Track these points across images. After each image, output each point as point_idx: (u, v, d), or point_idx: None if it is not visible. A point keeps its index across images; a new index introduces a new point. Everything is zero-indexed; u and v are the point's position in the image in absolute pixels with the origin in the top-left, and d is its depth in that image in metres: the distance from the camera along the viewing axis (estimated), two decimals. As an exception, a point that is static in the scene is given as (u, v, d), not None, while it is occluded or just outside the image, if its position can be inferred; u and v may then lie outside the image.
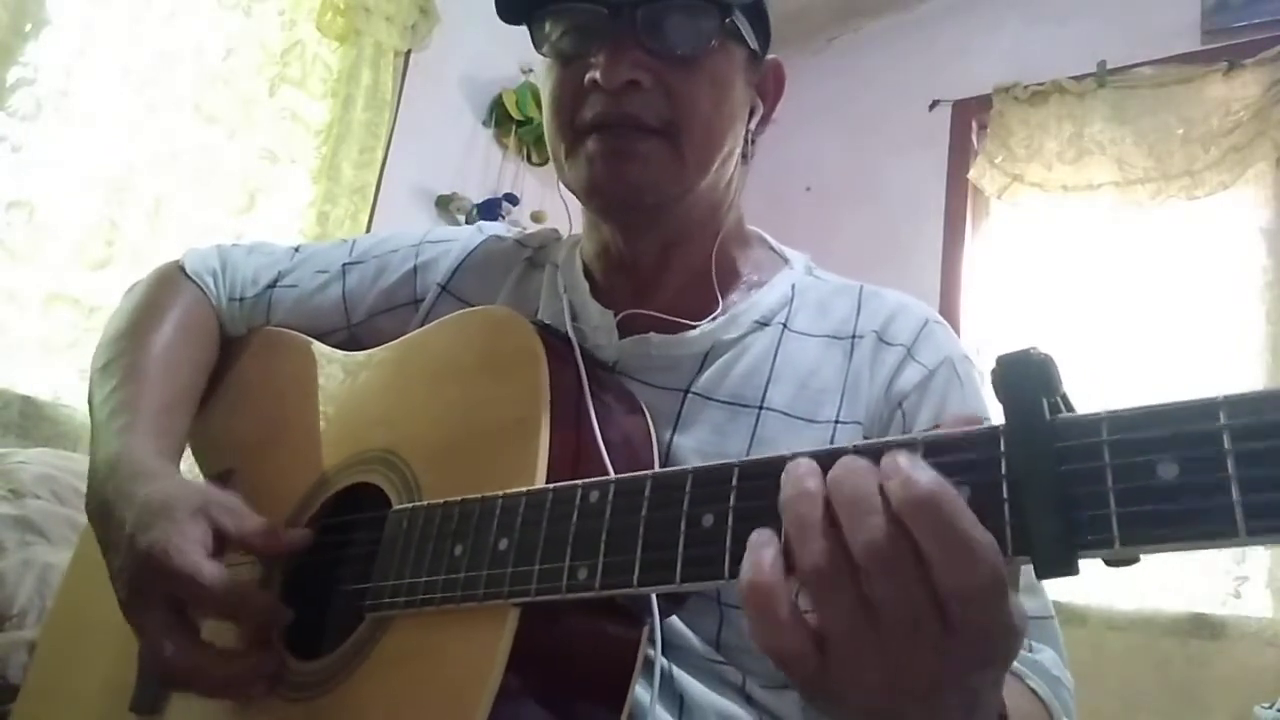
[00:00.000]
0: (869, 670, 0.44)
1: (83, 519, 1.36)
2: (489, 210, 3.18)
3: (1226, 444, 0.37)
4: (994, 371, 0.43)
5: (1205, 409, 0.38)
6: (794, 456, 0.48)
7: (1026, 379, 0.42)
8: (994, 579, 0.41)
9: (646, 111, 0.78)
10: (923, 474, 0.42)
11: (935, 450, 0.44)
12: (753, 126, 0.88)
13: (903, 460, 0.42)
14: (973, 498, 0.42)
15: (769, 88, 0.90)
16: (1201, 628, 2.44)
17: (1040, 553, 0.40)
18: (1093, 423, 0.41)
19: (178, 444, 0.89)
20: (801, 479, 0.45)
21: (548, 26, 0.82)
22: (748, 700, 0.76)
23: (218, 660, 0.71)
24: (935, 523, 0.41)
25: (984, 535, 0.41)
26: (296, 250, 1.06)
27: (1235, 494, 0.37)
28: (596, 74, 0.77)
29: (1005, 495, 0.42)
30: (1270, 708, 2.09)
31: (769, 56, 0.88)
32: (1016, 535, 0.41)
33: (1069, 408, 0.43)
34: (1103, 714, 2.42)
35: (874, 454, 0.45)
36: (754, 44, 0.84)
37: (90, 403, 0.92)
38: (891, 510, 0.42)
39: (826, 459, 0.46)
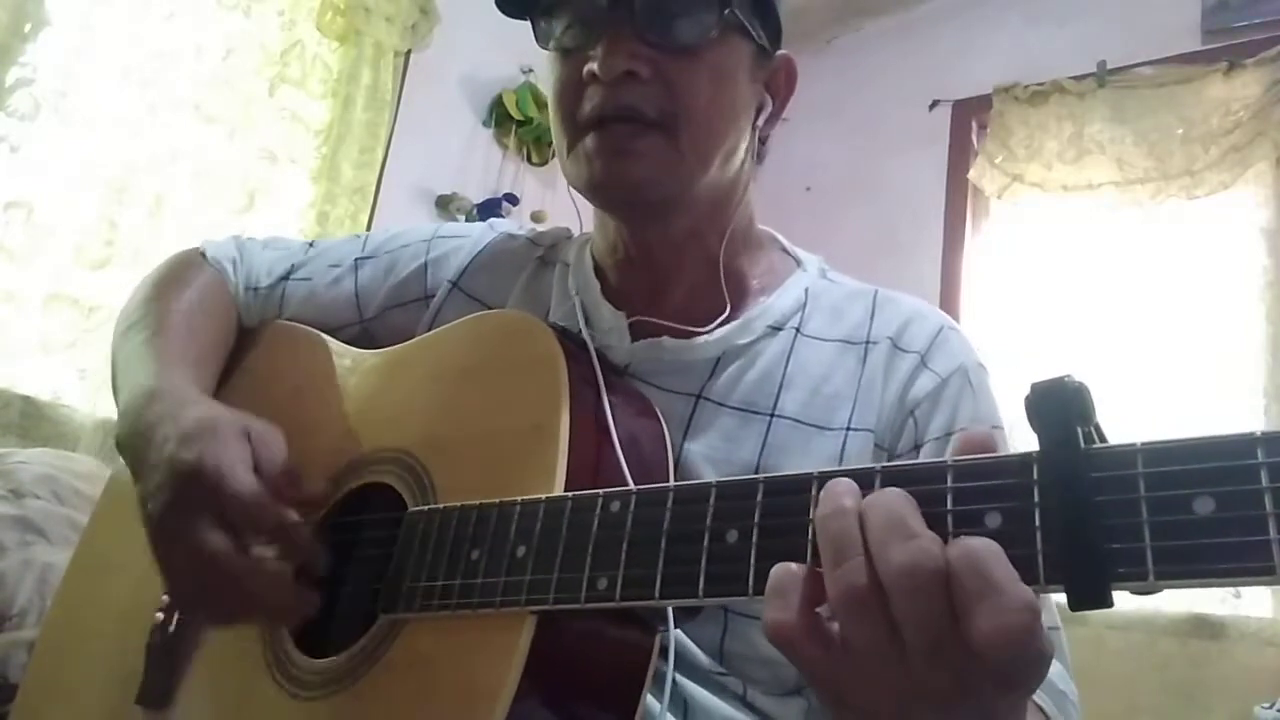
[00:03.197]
0: (885, 677, 0.44)
1: (83, 519, 1.36)
2: (489, 210, 3.17)
3: (1264, 480, 0.37)
4: (1028, 398, 0.43)
5: (1242, 445, 0.38)
6: (821, 475, 0.48)
7: (1061, 407, 0.42)
8: (1023, 627, 0.40)
9: (645, 103, 0.78)
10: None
11: (968, 475, 0.44)
12: (761, 124, 0.87)
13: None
14: (1004, 524, 0.42)
15: (779, 85, 0.89)
16: (1201, 628, 2.44)
17: (1074, 585, 0.40)
18: (1128, 454, 0.41)
19: (208, 391, 0.90)
20: (839, 497, 0.46)
21: (549, 21, 0.83)
22: (750, 708, 0.76)
23: (268, 567, 0.69)
24: (972, 573, 0.41)
25: (1018, 587, 0.41)
26: (310, 245, 1.07)
27: (1273, 531, 0.36)
28: (594, 66, 0.77)
29: (1038, 523, 0.42)
30: (1270, 708, 2.09)
31: (779, 53, 0.87)
32: (1049, 565, 0.41)
33: (1102, 437, 0.42)
34: (1103, 714, 2.42)
35: (904, 475, 0.45)
36: (760, 38, 0.84)
37: (114, 359, 0.93)
38: (924, 540, 0.42)
39: (858, 478, 0.46)
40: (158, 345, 0.89)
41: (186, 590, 0.73)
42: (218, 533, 0.68)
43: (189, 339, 0.92)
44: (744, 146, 0.85)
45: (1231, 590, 2.50)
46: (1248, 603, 2.49)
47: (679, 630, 0.73)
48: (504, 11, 0.84)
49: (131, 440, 0.79)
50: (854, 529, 0.44)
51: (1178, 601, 2.51)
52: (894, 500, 0.44)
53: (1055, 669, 0.73)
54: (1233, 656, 2.39)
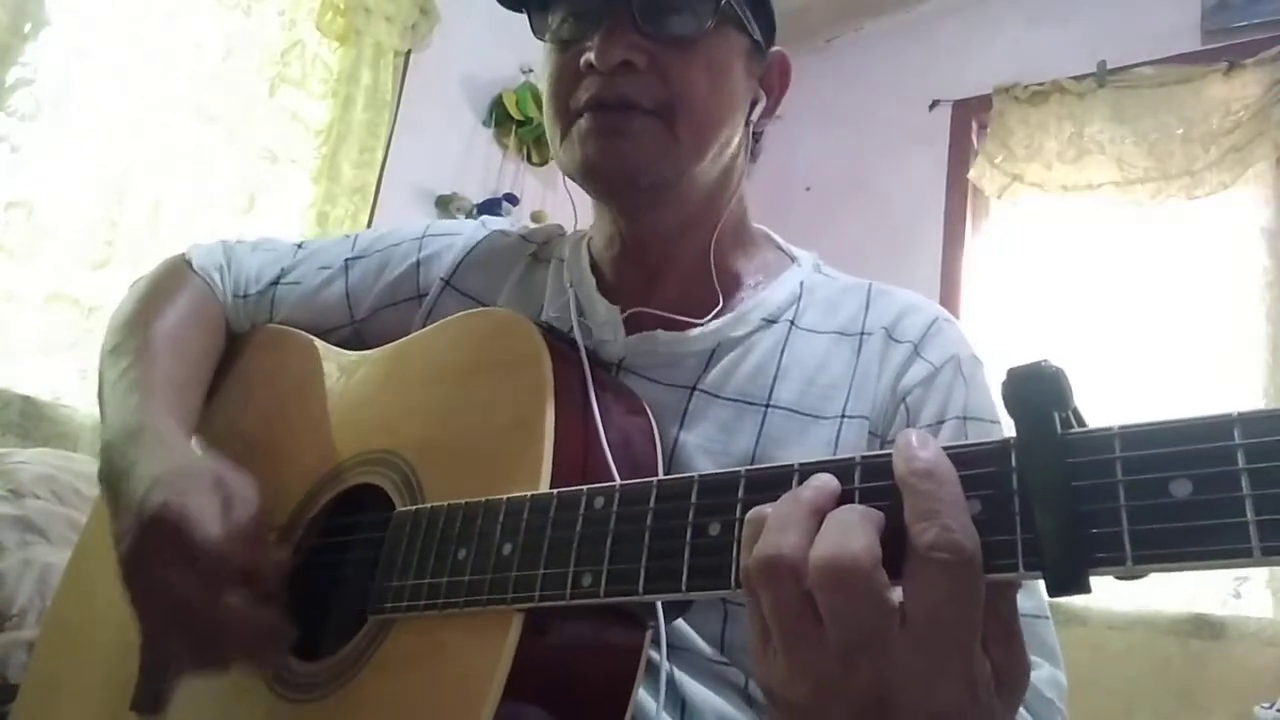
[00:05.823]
0: (801, 670, 0.44)
1: (83, 519, 1.36)
2: (489, 210, 3.18)
3: (1241, 462, 0.37)
4: (1005, 384, 0.42)
5: (1219, 426, 0.38)
6: (801, 466, 0.48)
7: (1038, 392, 0.42)
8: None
9: (641, 93, 0.78)
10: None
11: None
12: (754, 118, 0.88)
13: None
14: (983, 511, 0.42)
15: (774, 81, 0.89)
16: (1201, 628, 2.44)
17: (1052, 570, 0.39)
18: (1105, 438, 0.40)
19: (190, 422, 0.90)
20: (803, 488, 0.46)
21: (546, 13, 0.83)
22: (749, 702, 0.76)
23: (236, 617, 0.68)
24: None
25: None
26: (300, 246, 1.06)
27: (1250, 513, 0.36)
28: (591, 55, 0.78)
29: (1017, 510, 0.41)
30: (1270, 708, 2.09)
31: (774, 49, 0.88)
32: (1028, 551, 0.41)
33: (1080, 422, 0.42)
34: (1103, 714, 2.42)
35: (882, 465, 0.45)
36: (755, 33, 0.84)
37: (100, 382, 0.93)
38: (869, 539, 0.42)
39: (837, 470, 0.46)
40: (141, 373, 0.89)
41: (159, 636, 0.73)
42: (187, 581, 0.68)
43: (173, 362, 0.91)
44: (737, 140, 0.86)
45: (1231, 590, 2.50)
46: (1248, 603, 2.48)
47: (682, 622, 0.73)
48: (503, 3, 0.85)
49: (110, 477, 0.79)
50: (796, 511, 0.45)
51: (1178, 601, 2.51)
52: (855, 510, 0.44)
53: (1045, 675, 0.71)
54: (1233, 656, 2.38)
